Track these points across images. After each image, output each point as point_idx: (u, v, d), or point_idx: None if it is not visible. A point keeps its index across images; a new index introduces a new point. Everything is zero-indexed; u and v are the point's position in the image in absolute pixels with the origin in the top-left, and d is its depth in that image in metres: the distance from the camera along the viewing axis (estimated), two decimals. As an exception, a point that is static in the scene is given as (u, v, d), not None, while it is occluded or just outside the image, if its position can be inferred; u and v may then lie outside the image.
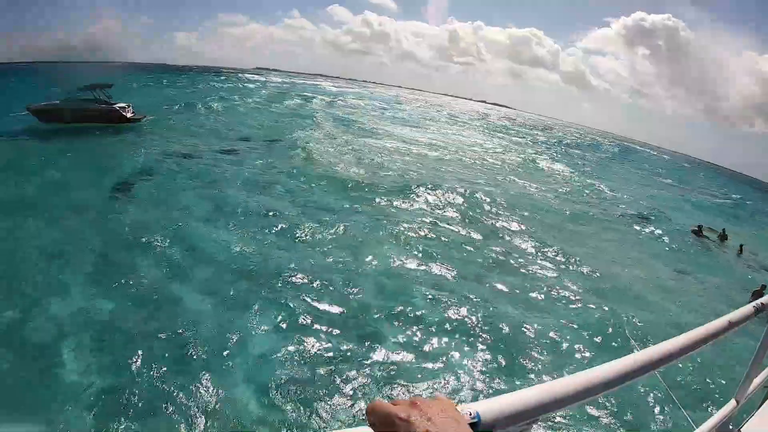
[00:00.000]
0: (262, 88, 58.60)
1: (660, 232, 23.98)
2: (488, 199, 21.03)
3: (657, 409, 8.73)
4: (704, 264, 20.80)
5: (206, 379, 7.74)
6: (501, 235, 17.77)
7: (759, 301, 1.64)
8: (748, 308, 1.54)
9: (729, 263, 22.16)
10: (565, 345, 10.56)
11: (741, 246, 24.39)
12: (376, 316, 10.44)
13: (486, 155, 39.63)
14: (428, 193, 20.44)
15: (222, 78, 64.89)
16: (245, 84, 60.61)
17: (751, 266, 22.38)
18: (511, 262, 15.24)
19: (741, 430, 2.30)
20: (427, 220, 17.47)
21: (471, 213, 19.36)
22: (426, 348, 9.54)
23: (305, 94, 59.46)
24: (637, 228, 24.31)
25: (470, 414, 0.68)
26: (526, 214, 20.63)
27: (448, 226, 17.38)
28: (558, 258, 16.28)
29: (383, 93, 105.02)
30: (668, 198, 38.37)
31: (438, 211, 19.02)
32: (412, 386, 8.34)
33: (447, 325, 10.45)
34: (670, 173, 62.13)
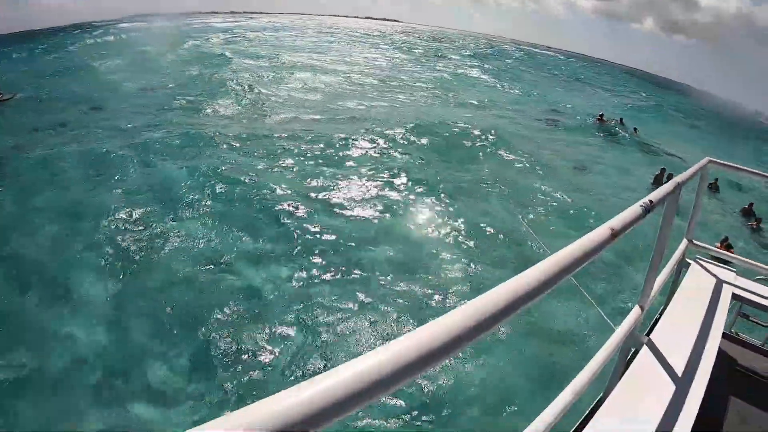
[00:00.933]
0: (151, 35, 53.05)
1: (573, 123, 28.47)
2: (428, 123, 21.62)
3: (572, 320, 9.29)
4: (609, 147, 24.84)
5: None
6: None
7: (647, 199, 1.57)
8: (635, 209, 1.45)
9: (629, 145, 26.02)
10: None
11: (635, 129, 28.39)
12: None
13: (405, 75, 40.30)
14: (379, 130, 19.79)
15: (99, 32, 57.41)
16: (129, 34, 54.15)
17: (645, 146, 26.26)
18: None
19: (650, 336, 2.35)
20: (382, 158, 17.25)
21: (423, 138, 19.65)
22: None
23: (199, 35, 55.12)
24: (553, 123, 28.31)
25: None
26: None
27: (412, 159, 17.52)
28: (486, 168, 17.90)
29: (273, 22, 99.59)
30: (579, 96, 42.27)
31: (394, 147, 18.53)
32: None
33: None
34: (576, 73, 66.86)
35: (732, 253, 6.08)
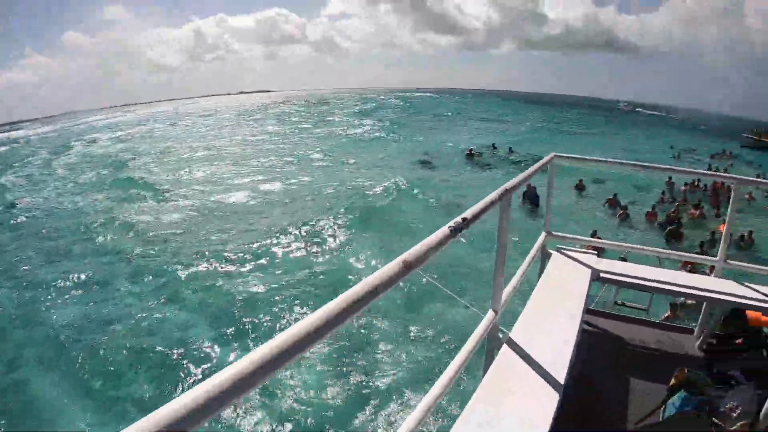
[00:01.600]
0: (33, 146, 48.24)
1: (448, 162, 30.17)
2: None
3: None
4: (482, 176, 26.65)
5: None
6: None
7: (459, 218, 1.52)
8: (441, 232, 1.41)
9: (505, 168, 28.06)
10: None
11: (509, 148, 31.99)
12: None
13: (299, 148, 40.17)
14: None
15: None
16: (9, 146, 49.75)
17: (523, 164, 27.97)
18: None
19: (510, 336, 2.35)
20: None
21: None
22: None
23: (82, 137, 52.07)
24: (428, 166, 29.40)
25: None
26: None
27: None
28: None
29: (152, 112, 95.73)
30: (454, 133, 44.54)
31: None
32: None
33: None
34: (451, 109, 71.12)
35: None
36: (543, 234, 3.53)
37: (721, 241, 3.66)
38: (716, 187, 22.14)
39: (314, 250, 15.55)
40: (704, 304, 3.54)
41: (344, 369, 8.94)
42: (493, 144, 33.41)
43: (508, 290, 2.43)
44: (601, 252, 5.00)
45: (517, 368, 2.14)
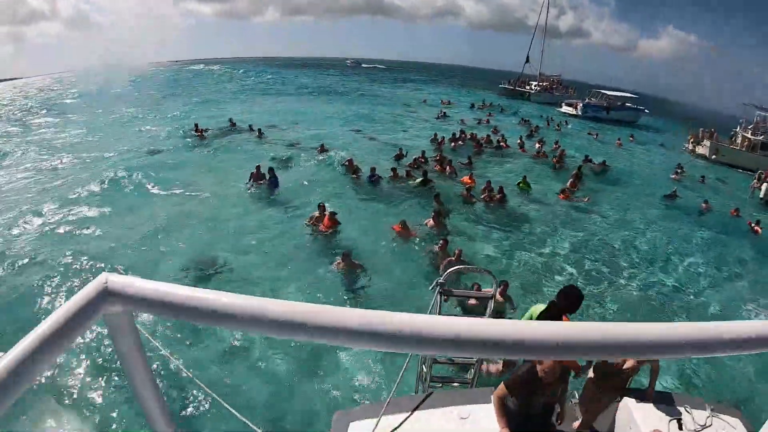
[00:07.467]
0: None
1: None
2: None
3: None
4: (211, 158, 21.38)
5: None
6: None
7: None
8: None
9: (251, 150, 23.10)
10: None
11: (259, 130, 26.20)
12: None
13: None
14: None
15: None
16: None
17: (271, 146, 24.39)
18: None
19: None
20: None
21: None
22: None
23: None
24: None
25: None
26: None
27: None
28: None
29: None
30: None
31: None
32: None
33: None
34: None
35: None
36: None
37: None
38: (473, 137, 27.06)
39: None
40: None
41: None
42: (231, 119, 28.36)
43: None
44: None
45: None
